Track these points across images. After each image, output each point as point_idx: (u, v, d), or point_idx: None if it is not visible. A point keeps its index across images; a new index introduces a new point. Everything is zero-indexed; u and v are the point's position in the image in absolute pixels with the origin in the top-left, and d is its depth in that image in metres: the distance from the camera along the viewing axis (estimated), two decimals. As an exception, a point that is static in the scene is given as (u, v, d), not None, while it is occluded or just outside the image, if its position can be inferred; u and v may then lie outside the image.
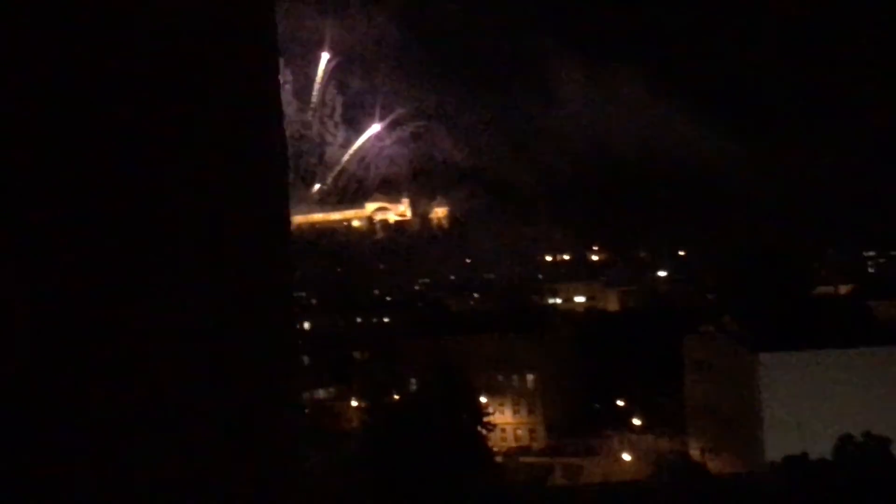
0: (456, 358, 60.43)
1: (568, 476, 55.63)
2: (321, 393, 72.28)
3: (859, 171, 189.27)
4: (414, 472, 38.86)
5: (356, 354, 79.47)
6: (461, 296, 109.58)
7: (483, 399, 62.83)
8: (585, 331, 74.54)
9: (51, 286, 1.30)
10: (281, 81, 1.52)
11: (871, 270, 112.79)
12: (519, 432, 70.23)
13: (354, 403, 68.11)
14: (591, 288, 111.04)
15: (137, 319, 1.35)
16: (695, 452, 57.67)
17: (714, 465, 53.23)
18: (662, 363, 63.41)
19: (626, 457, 58.78)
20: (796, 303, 66.35)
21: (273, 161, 1.49)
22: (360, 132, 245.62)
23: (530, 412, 70.75)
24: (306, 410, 59.40)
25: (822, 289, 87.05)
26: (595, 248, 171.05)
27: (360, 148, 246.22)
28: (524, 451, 65.00)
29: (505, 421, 68.73)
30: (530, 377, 71.57)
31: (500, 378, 70.84)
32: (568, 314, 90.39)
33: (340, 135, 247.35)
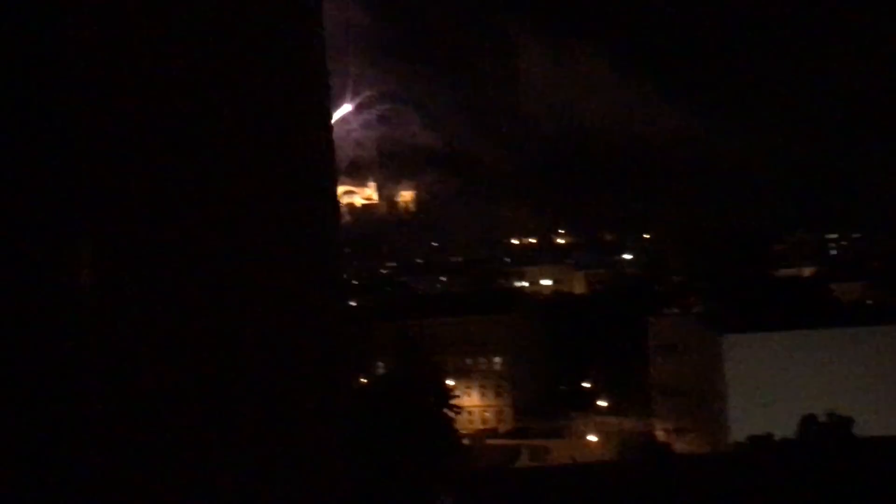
0: (423, 341, 60.47)
1: (535, 458, 55.98)
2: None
3: (823, 154, 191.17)
4: (380, 455, 38.89)
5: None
6: (429, 279, 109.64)
7: (451, 382, 62.94)
8: (553, 313, 74.85)
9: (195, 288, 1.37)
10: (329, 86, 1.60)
11: (833, 253, 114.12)
12: (486, 415, 70.49)
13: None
14: (558, 270, 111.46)
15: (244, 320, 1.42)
16: (660, 433, 58.17)
17: (679, 445, 53.74)
18: (628, 345, 63.85)
19: (593, 438, 59.19)
20: (760, 285, 67.05)
21: (322, 158, 1.56)
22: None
23: (498, 395, 71.02)
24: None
25: (786, 271, 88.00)
26: (562, 231, 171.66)
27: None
28: (491, 433, 65.27)
29: (472, 404, 68.94)
30: (498, 360, 71.81)
31: (468, 361, 71.01)
32: (535, 297, 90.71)
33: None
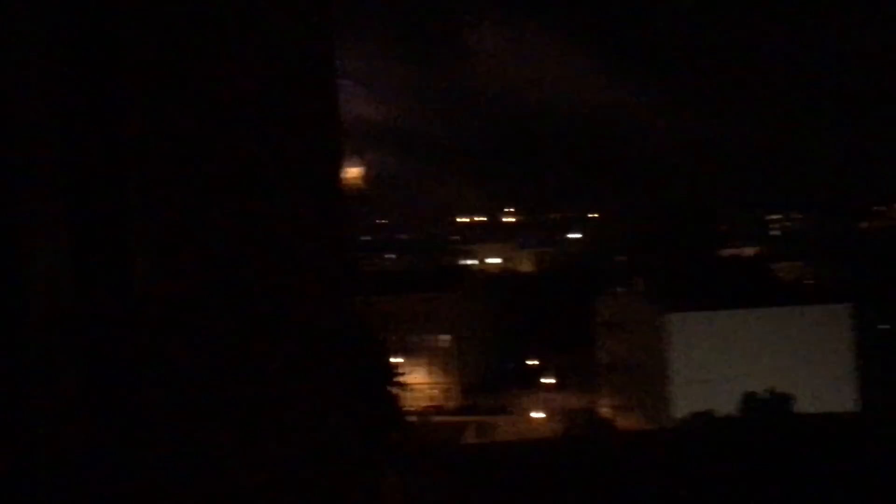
0: (370, 318, 60.33)
1: (481, 434, 56.28)
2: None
3: (765, 134, 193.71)
4: (324, 433, 38.89)
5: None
6: (375, 256, 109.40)
7: (397, 359, 62.97)
8: (500, 292, 75.18)
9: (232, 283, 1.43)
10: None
11: (774, 233, 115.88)
12: (433, 392, 70.68)
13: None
14: (505, 249, 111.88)
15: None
16: (605, 410, 58.84)
17: (623, 421, 54.41)
18: (574, 323, 64.38)
19: (538, 414, 59.69)
20: (704, 264, 67.90)
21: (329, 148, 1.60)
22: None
23: (445, 372, 71.23)
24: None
25: (728, 251, 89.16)
26: (509, 209, 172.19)
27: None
28: (438, 410, 65.49)
29: (419, 381, 69.07)
30: (445, 338, 71.97)
31: (415, 339, 71.08)
32: (483, 275, 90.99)
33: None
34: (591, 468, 34.05)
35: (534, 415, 60.13)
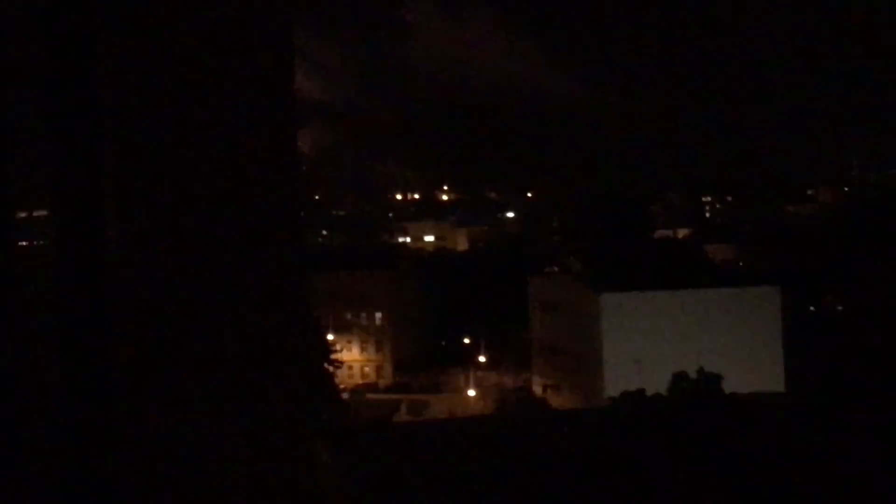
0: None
1: (413, 412, 56.27)
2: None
3: (698, 117, 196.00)
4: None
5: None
6: (310, 232, 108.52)
7: (331, 337, 62.59)
8: (434, 269, 75.08)
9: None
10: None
11: (707, 215, 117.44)
12: (366, 370, 70.50)
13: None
14: (441, 227, 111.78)
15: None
16: (538, 389, 59.23)
17: (556, 400, 54.82)
18: (509, 302, 64.57)
19: (471, 393, 59.86)
20: (637, 245, 68.52)
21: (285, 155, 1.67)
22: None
23: (378, 350, 71.06)
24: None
25: (662, 232, 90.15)
26: (445, 187, 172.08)
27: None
28: (371, 388, 65.32)
29: (352, 358, 68.83)
30: (379, 315, 71.75)
31: (349, 316, 70.74)
32: (417, 253, 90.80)
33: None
34: (523, 446, 34.25)
35: (467, 393, 60.30)
